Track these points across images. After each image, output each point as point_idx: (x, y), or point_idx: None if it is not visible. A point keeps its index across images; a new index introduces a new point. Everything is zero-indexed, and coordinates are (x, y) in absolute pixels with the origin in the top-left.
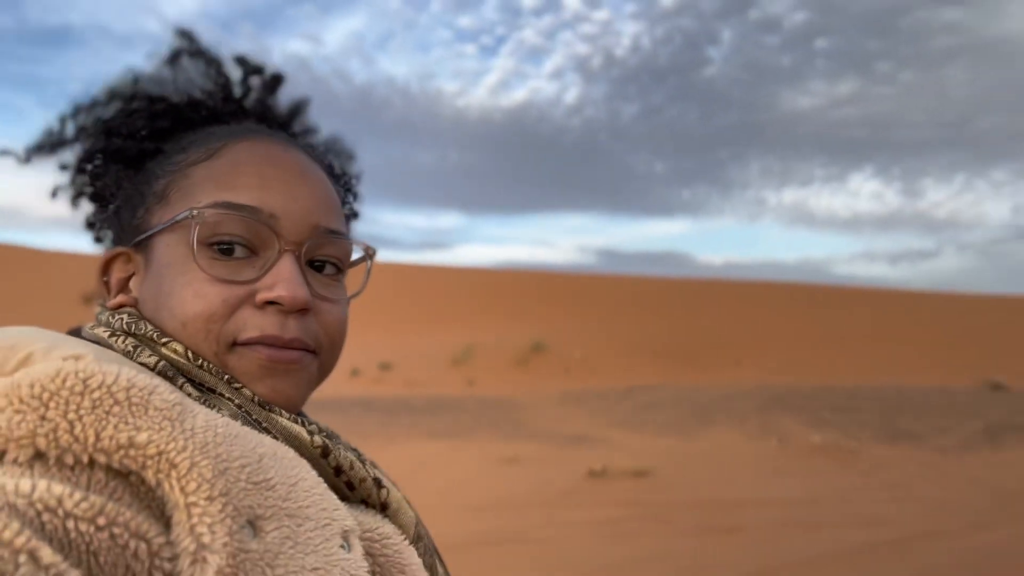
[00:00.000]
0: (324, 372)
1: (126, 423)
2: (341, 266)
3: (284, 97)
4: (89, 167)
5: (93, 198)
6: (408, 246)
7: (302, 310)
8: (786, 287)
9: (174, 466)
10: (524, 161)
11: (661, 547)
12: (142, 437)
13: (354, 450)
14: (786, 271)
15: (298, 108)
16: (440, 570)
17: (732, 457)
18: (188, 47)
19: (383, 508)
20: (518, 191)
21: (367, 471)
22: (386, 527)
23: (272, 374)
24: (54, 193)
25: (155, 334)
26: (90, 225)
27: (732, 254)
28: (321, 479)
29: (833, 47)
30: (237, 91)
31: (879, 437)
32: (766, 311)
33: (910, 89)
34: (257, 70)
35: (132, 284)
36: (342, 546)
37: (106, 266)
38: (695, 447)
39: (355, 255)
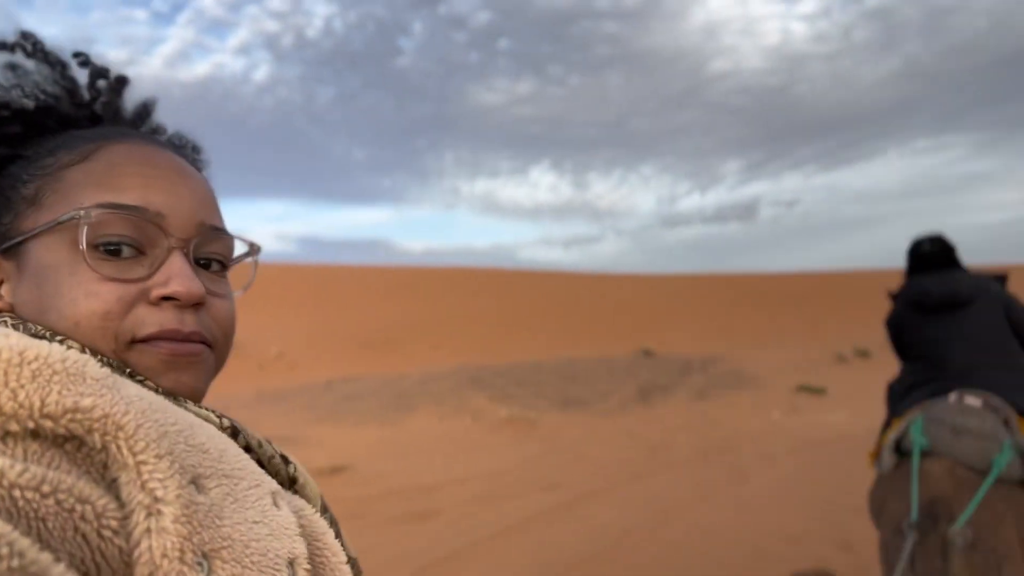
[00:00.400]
0: (219, 365)
1: (68, 389)
2: (226, 263)
3: (129, 99)
4: None
5: None
6: None
7: (197, 304)
8: (479, 272)
9: (120, 428)
10: (211, 142)
11: (355, 544)
12: (87, 402)
13: (249, 429)
14: (480, 256)
15: (146, 109)
16: (341, 541)
17: (431, 440)
18: (31, 49)
19: (291, 483)
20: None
21: (274, 450)
22: (298, 500)
23: (175, 368)
24: None
25: (47, 333)
26: None
27: (431, 241)
28: (241, 450)
29: (514, 48)
30: (86, 95)
31: (555, 406)
32: (462, 295)
33: (577, 91)
34: (102, 72)
35: (3, 291)
36: (273, 504)
37: None
38: (395, 435)
39: (237, 251)
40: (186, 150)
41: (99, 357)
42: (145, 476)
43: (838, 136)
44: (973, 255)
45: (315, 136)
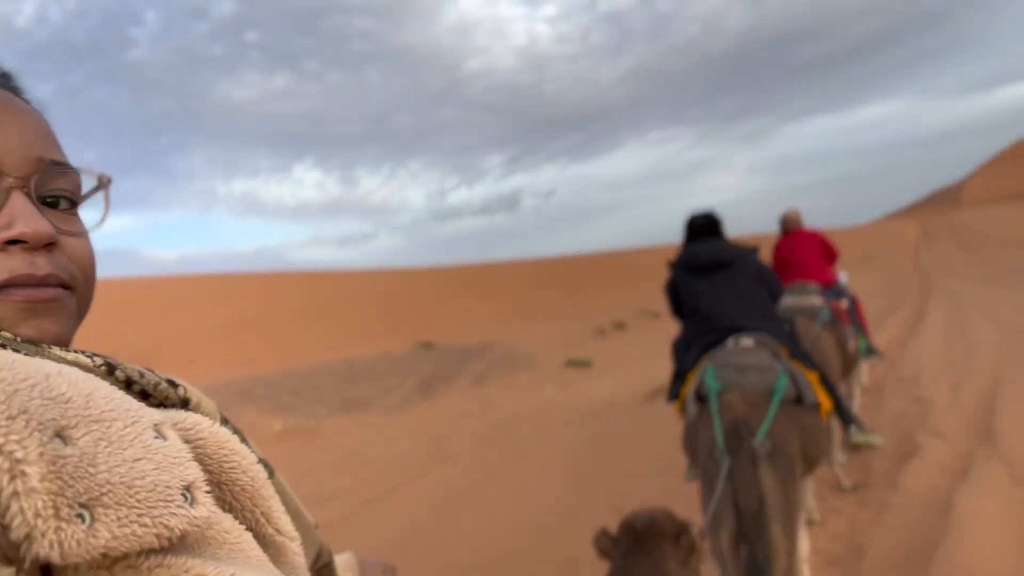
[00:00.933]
0: (83, 309)
1: None
2: (75, 199)
3: None
4: None
5: None
6: None
7: (48, 245)
8: (242, 277)
9: None
10: None
11: None
12: None
13: (130, 364)
14: (246, 260)
15: None
16: (248, 445)
17: None
18: None
19: (184, 404)
20: None
21: (158, 376)
22: (193, 417)
23: (34, 314)
24: None
25: None
26: None
27: (186, 247)
28: (115, 387)
29: (264, 41)
30: None
31: (336, 410)
32: (223, 303)
33: (337, 87)
34: None
35: None
36: (156, 437)
37: None
38: None
39: (86, 187)
40: (6, 81)
41: None
42: (1, 440)
43: (585, 130)
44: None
45: None
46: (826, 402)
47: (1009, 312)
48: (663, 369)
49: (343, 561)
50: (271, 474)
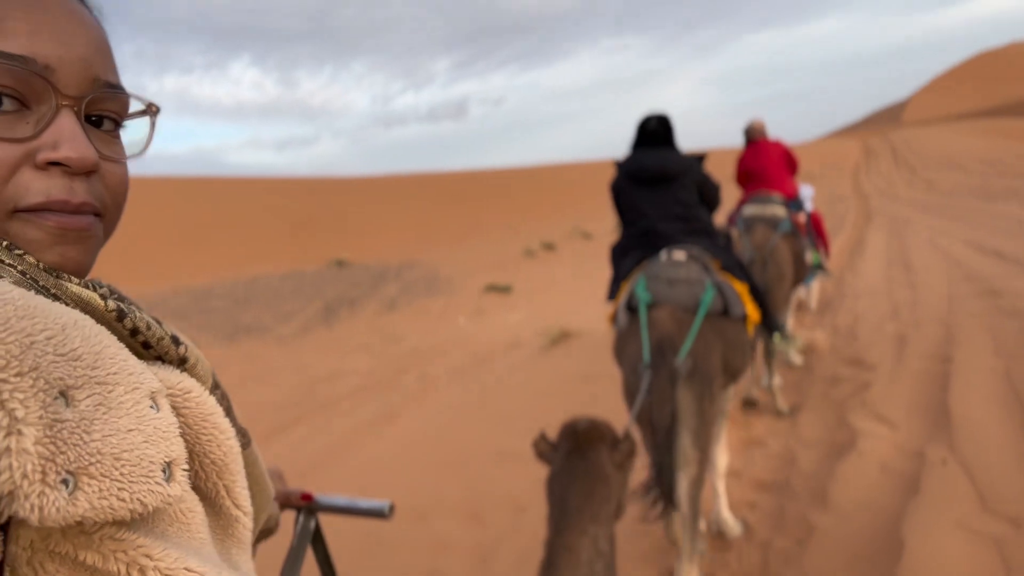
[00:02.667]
0: (107, 236)
1: None
2: (119, 121)
3: None
4: None
5: None
6: None
7: (89, 172)
8: (158, 182)
9: None
10: None
11: None
12: None
13: (138, 306)
14: (181, 163)
15: None
16: (232, 416)
17: None
18: None
19: (181, 362)
20: None
21: (164, 330)
22: (187, 381)
23: (63, 241)
24: None
25: None
26: None
27: None
28: (122, 344)
29: None
30: None
31: (222, 338)
32: (130, 212)
33: None
34: None
35: None
36: (151, 407)
37: None
38: None
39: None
40: None
41: None
42: (5, 396)
43: (536, 36)
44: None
45: None
46: (754, 314)
47: (955, 245)
48: (581, 299)
49: None
50: (247, 444)
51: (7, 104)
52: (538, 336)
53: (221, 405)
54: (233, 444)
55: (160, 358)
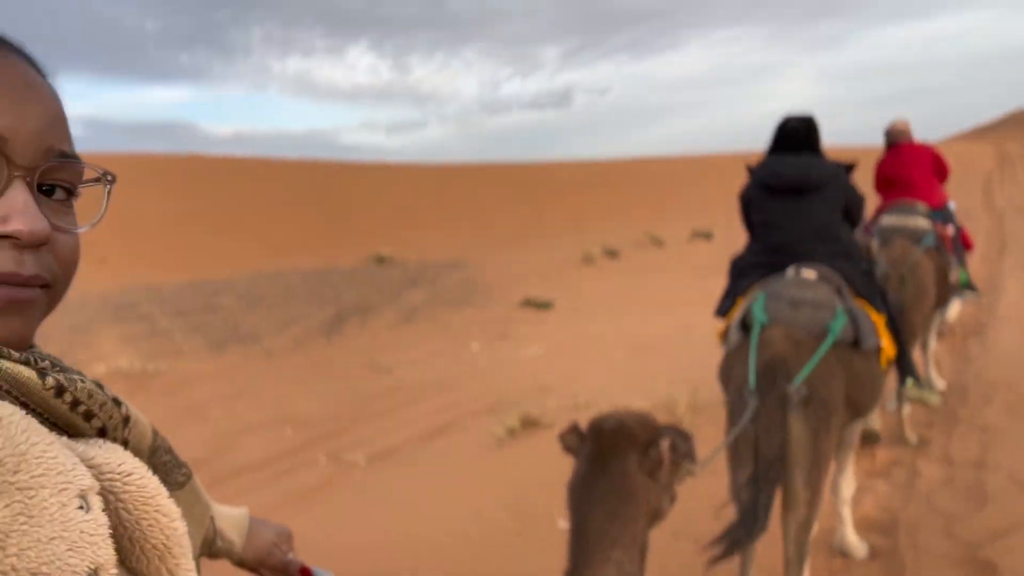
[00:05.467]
0: (52, 307)
1: None
2: (73, 190)
3: None
4: None
5: None
6: None
7: (39, 244)
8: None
9: None
10: None
11: None
12: None
13: (79, 373)
14: (297, 141)
15: None
16: (185, 469)
17: None
18: None
19: (125, 422)
20: None
21: (106, 394)
22: (129, 462)
23: (4, 313)
24: None
25: None
26: None
27: (240, 124)
28: (54, 437)
29: None
30: None
31: (209, 345)
32: (193, 191)
33: None
34: None
35: None
36: (80, 507)
37: None
38: None
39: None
40: (34, 57)
41: None
42: None
43: (648, 25)
44: (763, 143)
45: (95, 2)
46: (889, 348)
47: None
48: (622, 327)
49: (235, 518)
50: (189, 477)
51: None
52: (502, 411)
53: (163, 447)
54: (177, 526)
55: (104, 427)
